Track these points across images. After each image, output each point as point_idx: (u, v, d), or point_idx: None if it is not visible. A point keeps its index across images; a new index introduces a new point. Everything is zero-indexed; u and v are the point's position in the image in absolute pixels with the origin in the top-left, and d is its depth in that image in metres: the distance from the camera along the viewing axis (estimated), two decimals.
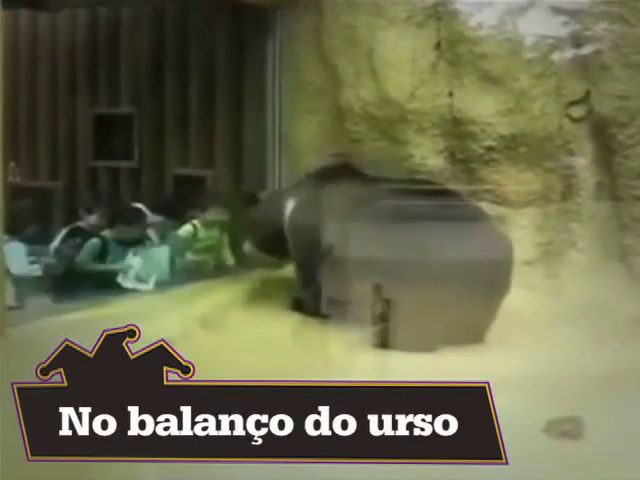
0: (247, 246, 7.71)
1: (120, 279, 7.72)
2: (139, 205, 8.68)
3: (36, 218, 8.28)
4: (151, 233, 8.39)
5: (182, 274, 8.31)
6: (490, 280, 6.29)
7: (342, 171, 7.20)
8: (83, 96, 11.06)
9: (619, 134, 7.32)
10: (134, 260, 7.77)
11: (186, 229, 8.44)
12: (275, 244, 7.32)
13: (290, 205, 7.22)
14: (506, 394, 5.07)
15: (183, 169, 10.15)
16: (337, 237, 6.61)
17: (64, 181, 11.23)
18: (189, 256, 8.39)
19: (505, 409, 4.90)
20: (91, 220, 8.26)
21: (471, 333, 6.16)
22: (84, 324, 5.81)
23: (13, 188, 9.56)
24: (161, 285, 7.82)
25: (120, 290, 7.53)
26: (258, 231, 7.57)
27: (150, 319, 6.10)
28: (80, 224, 8.26)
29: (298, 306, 7.06)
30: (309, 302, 6.94)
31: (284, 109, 8.68)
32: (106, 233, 7.83)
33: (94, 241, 7.67)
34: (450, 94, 7.63)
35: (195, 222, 8.46)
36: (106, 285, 7.55)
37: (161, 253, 8.34)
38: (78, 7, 10.83)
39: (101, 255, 7.64)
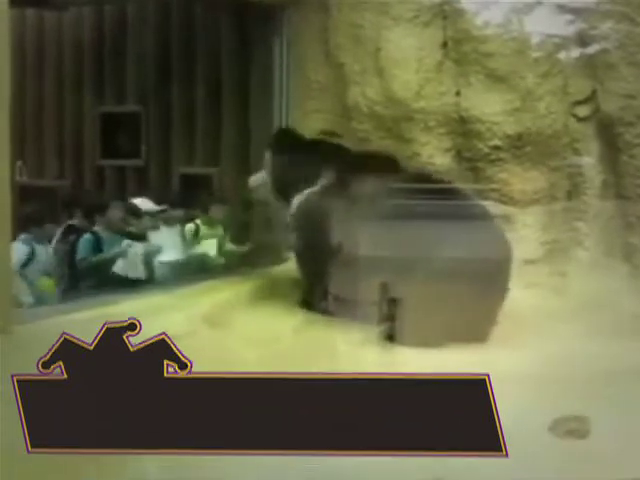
0: (255, 180, 7.55)
1: (117, 268, 7.79)
2: (138, 199, 8.71)
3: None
4: (147, 222, 8.42)
5: (184, 270, 8.41)
6: (490, 278, 6.30)
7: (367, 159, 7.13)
8: (89, 94, 11.08)
9: (625, 133, 7.33)
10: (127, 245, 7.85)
11: (188, 227, 8.54)
12: (289, 185, 7.23)
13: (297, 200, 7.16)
14: (511, 392, 5.11)
15: (189, 167, 10.17)
16: (344, 236, 6.61)
17: (71, 180, 11.24)
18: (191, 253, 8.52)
19: (510, 407, 4.92)
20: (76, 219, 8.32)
21: (474, 331, 6.18)
22: (90, 323, 5.81)
23: (20, 187, 9.60)
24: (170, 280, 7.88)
25: (123, 283, 7.58)
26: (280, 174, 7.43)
27: (156, 317, 6.13)
28: (73, 222, 8.29)
29: (307, 305, 7.07)
30: (317, 301, 6.95)
31: (290, 107, 8.68)
32: (96, 227, 7.89)
33: (86, 237, 7.73)
34: (457, 93, 7.64)
35: (198, 221, 8.54)
36: (109, 277, 7.61)
37: (172, 234, 8.42)
38: (84, 5, 10.85)
39: (97, 249, 7.68)
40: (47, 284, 7.37)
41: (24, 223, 7.06)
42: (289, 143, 7.44)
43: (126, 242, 7.91)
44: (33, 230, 7.31)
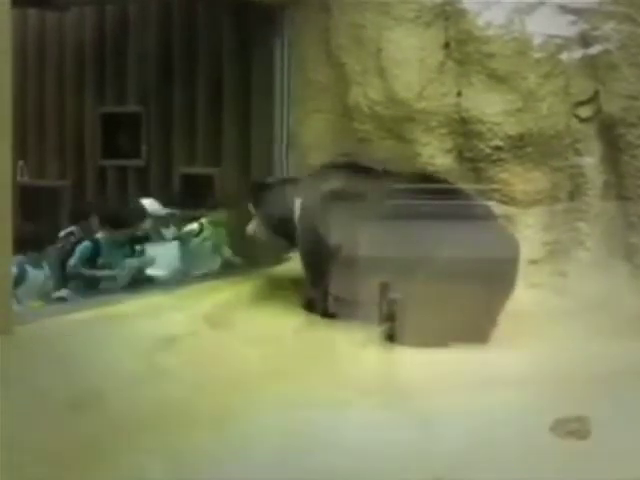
0: (251, 228, 7.64)
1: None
2: (147, 200, 8.69)
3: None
4: (151, 225, 8.40)
5: (188, 270, 8.43)
6: (496, 278, 6.29)
7: (350, 168, 7.18)
8: (90, 95, 11.07)
9: (627, 134, 7.32)
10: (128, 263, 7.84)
11: (191, 227, 8.58)
12: (285, 229, 7.31)
13: (298, 202, 7.20)
14: (512, 392, 5.11)
15: (190, 168, 10.16)
16: (345, 236, 6.61)
17: (72, 180, 11.24)
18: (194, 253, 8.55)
19: (511, 407, 4.93)
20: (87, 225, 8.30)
21: (476, 332, 6.17)
22: (92, 323, 5.83)
23: (22, 187, 9.60)
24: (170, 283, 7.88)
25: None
26: (270, 215, 7.52)
27: (157, 317, 6.14)
28: (73, 229, 8.27)
29: (306, 305, 7.07)
30: (319, 302, 6.95)
31: (292, 108, 8.67)
32: (99, 235, 7.86)
33: (86, 244, 7.69)
34: (458, 93, 7.62)
35: (202, 221, 8.58)
36: (95, 287, 7.58)
37: (170, 249, 8.43)
38: (85, 6, 10.85)
39: (91, 258, 7.65)
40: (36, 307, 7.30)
41: (20, 245, 6.96)
42: (265, 190, 7.60)
43: (123, 265, 7.87)
44: (29, 254, 7.24)
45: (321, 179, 7.20)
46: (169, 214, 8.56)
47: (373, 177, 6.97)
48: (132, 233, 7.93)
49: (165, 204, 8.70)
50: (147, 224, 8.29)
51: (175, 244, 8.60)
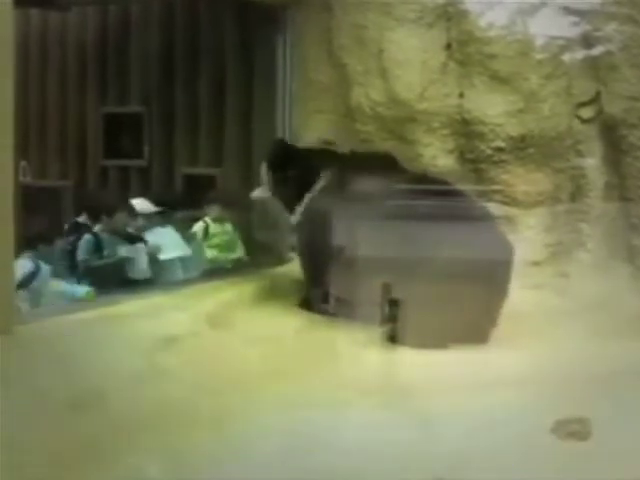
0: (257, 192, 7.62)
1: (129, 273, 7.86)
2: (137, 199, 8.73)
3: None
4: (140, 221, 8.46)
5: (200, 270, 8.49)
6: (492, 280, 6.30)
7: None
8: (92, 95, 11.09)
9: (629, 135, 7.31)
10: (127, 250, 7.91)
11: (198, 226, 8.62)
12: (291, 196, 7.31)
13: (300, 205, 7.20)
14: (513, 393, 5.11)
15: (192, 168, 10.18)
16: (347, 238, 6.61)
17: (74, 180, 11.25)
18: (206, 252, 8.60)
19: (513, 407, 4.93)
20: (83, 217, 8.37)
21: (475, 332, 6.17)
22: (92, 323, 5.83)
23: (24, 187, 9.61)
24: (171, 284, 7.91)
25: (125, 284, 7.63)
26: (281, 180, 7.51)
27: (158, 317, 6.14)
28: (78, 220, 8.33)
29: (307, 305, 7.07)
30: (318, 301, 6.95)
31: (293, 108, 8.68)
32: (97, 228, 7.92)
33: (87, 238, 7.76)
34: (460, 94, 7.61)
35: (207, 219, 8.62)
36: (111, 278, 7.62)
37: (167, 232, 8.48)
38: (87, 5, 10.87)
39: (96, 250, 7.71)
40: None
41: (31, 241, 7.03)
42: (285, 155, 7.56)
43: (134, 247, 7.95)
44: (40, 248, 7.29)
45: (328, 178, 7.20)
46: (159, 212, 8.59)
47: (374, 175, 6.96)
48: (122, 228, 8.02)
49: (166, 204, 8.73)
50: (139, 223, 8.36)
51: (170, 228, 8.64)
